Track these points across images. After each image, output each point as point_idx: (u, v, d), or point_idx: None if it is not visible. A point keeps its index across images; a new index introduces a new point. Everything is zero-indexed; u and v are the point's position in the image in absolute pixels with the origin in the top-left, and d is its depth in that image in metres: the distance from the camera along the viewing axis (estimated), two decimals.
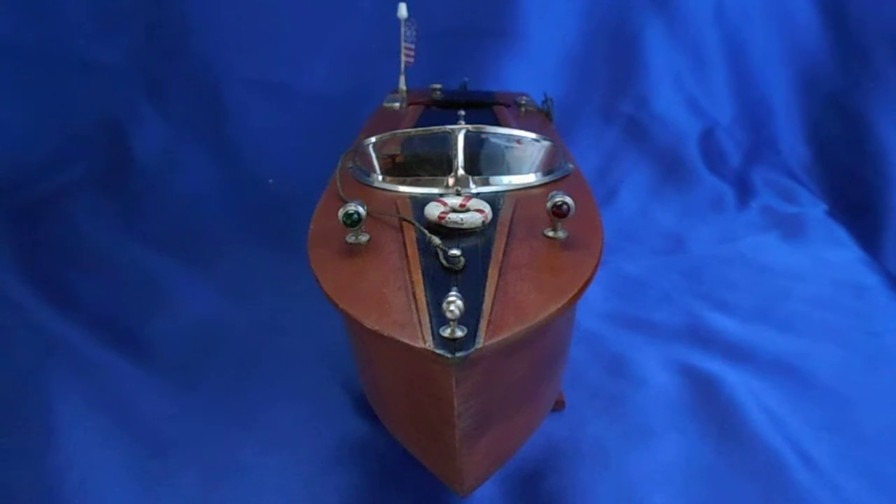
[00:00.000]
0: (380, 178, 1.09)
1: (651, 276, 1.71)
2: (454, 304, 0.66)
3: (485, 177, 1.05)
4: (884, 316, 1.56)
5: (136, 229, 1.84)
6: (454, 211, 0.90)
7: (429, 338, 0.68)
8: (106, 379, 1.28)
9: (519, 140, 1.18)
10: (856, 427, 1.21)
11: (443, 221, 0.89)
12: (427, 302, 0.73)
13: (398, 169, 1.13)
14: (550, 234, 0.89)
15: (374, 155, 1.15)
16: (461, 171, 1.03)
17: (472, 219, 0.89)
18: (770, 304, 1.58)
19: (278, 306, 1.53)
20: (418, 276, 0.78)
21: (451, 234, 0.88)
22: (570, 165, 1.18)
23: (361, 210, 0.85)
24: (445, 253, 0.80)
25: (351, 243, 0.87)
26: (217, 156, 2.14)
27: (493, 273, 0.79)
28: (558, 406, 1.20)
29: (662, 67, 2.38)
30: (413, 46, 1.66)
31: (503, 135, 1.18)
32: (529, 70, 2.27)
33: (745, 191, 2.15)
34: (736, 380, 1.29)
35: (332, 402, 1.24)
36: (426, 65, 1.74)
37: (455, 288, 0.68)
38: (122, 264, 1.69)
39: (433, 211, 0.90)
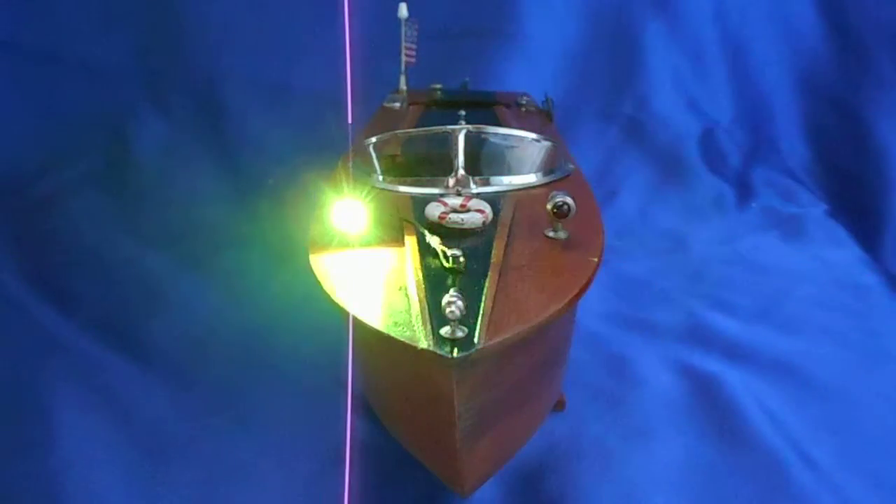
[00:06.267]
0: (380, 178, 1.09)
1: (651, 276, 1.71)
2: (454, 304, 0.66)
3: (485, 177, 1.05)
4: (884, 316, 1.56)
5: (136, 229, 1.83)
6: (455, 211, 0.90)
7: (429, 338, 0.68)
8: (106, 379, 1.28)
9: (519, 140, 1.18)
10: (856, 427, 1.21)
11: (443, 222, 0.89)
12: (427, 302, 0.73)
13: (399, 169, 1.13)
14: (551, 234, 0.89)
15: (374, 155, 1.15)
16: (462, 172, 1.03)
17: (472, 219, 0.89)
18: (770, 304, 1.58)
19: (278, 306, 1.52)
20: (419, 277, 0.78)
21: (452, 234, 0.88)
22: (571, 166, 1.18)
23: (362, 211, 0.85)
24: (446, 253, 0.80)
25: (351, 244, 0.87)
26: (217, 156, 2.14)
27: (493, 273, 0.78)
28: (559, 406, 1.20)
29: (662, 67, 2.38)
30: (414, 46, 1.66)
31: (504, 135, 1.18)
32: (529, 70, 2.27)
33: (745, 191, 2.15)
34: (736, 380, 1.29)
35: (332, 402, 1.23)
36: (427, 65, 1.74)
37: (455, 288, 0.68)
38: (122, 264, 1.69)
39: (434, 211, 0.90)
